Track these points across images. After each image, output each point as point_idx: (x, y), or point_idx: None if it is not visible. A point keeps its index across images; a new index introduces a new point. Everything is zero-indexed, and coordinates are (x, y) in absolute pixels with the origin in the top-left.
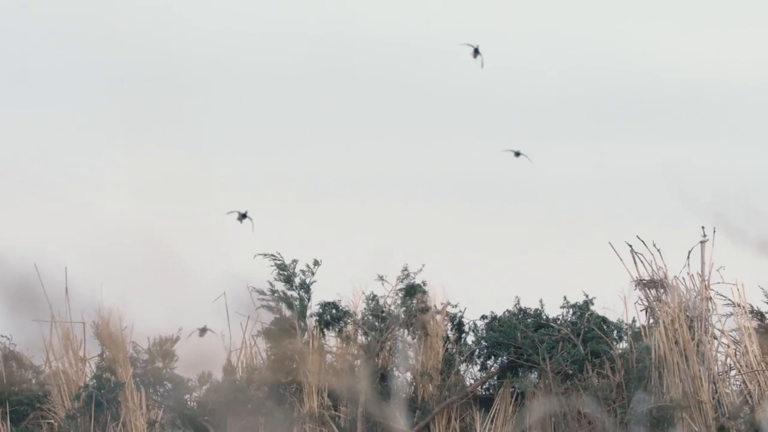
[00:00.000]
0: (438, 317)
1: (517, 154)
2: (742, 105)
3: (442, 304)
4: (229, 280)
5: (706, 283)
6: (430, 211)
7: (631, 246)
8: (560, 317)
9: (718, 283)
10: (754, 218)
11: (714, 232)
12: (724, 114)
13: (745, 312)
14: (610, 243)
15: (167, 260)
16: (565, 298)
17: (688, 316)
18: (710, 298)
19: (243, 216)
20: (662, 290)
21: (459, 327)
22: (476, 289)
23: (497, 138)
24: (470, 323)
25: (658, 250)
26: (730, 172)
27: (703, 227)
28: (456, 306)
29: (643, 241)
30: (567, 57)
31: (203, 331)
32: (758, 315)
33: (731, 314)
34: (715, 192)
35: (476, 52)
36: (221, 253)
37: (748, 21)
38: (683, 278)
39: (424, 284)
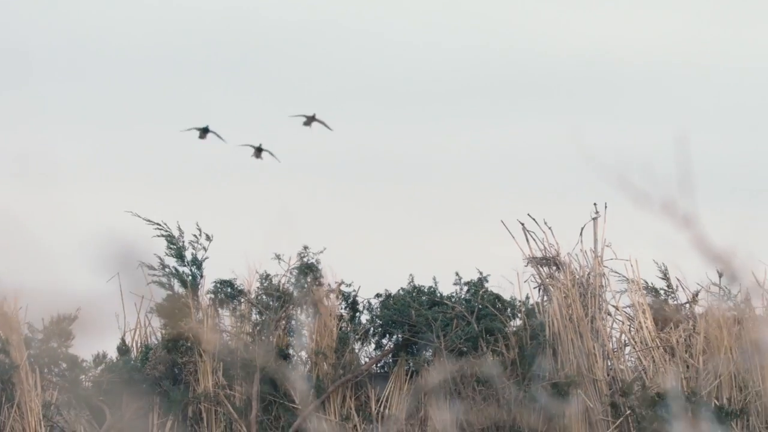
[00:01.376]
0: (332, 296)
1: (204, 131)
2: (641, 81)
3: (335, 282)
4: (116, 258)
5: (599, 259)
6: (323, 191)
7: (522, 224)
8: (454, 295)
9: (612, 259)
10: (656, 181)
11: (606, 208)
12: (623, 91)
13: (639, 288)
14: (502, 221)
15: (28, 238)
16: (457, 274)
17: (581, 293)
18: (604, 274)
19: (205, 131)
20: (555, 267)
21: (353, 306)
22: (371, 269)
23: (396, 116)
24: (364, 302)
25: (550, 228)
26: (627, 147)
27: (595, 204)
28: (350, 285)
29: (534, 219)
30: (464, 34)
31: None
32: (653, 291)
33: (625, 290)
34: (618, 158)
35: (311, 119)
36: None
37: None
38: (576, 255)
39: (318, 263)
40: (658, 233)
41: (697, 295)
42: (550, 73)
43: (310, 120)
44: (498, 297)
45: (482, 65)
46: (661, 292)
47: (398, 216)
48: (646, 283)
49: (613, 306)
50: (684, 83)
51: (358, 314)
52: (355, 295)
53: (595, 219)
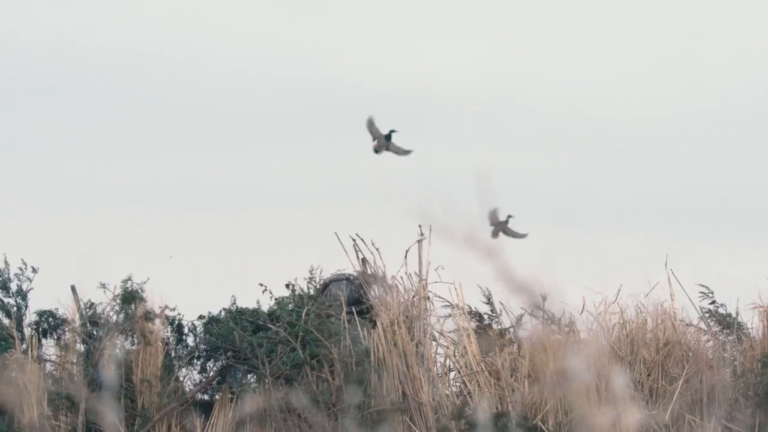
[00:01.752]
0: (157, 322)
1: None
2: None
3: (160, 307)
4: None
5: (425, 283)
6: (150, 218)
7: (354, 241)
8: (280, 319)
9: (436, 282)
10: (458, 216)
11: (430, 231)
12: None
13: (464, 313)
14: (335, 233)
15: None
16: (284, 299)
17: (407, 317)
18: (428, 298)
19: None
20: (382, 290)
21: (179, 329)
22: (199, 298)
23: (218, 146)
24: (189, 324)
25: (377, 249)
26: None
27: (420, 226)
28: (174, 309)
29: (362, 240)
30: (285, 63)
31: None
32: (477, 316)
33: (450, 315)
34: (424, 191)
35: (387, 141)
36: None
37: (452, 32)
38: (401, 278)
39: (142, 290)
40: (465, 264)
41: (521, 318)
42: (371, 101)
43: (383, 145)
44: (322, 321)
45: (307, 94)
46: (485, 316)
47: (225, 242)
48: (470, 307)
49: (438, 331)
50: (498, 112)
51: (184, 337)
52: (180, 320)
53: (420, 242)
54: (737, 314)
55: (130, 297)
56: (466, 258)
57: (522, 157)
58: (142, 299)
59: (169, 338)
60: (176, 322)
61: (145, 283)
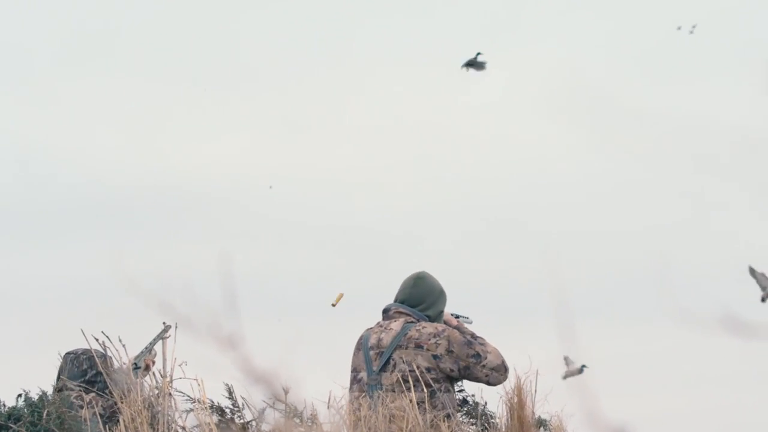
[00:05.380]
0: None
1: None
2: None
3: None
4: None
5: (168, 379)
6: None
7: (97, 339)
8: (22, 417)
9: (180, 378)
10: (199, 306)
11: (176, 327)
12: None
13: (206, 407)
14: (82, 330)
15: None
16: (20, 396)
17: (151, 414)
18: (171, 394)
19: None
20: (125, 386)
21: None
22: None
23: None
24: None
25: (124, 346)
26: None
27: (164, 323)
28: None
29: (108, 337)
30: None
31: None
32: (219, 410)
33: (192, 410)
34: (162, 280)
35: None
36: None
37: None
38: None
39: None
40: (204, 356)
41: (263, 412)
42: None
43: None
44: (62, 420)
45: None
46: (227, 410)
47: None
48: (212, 402)
49: (181, 426)
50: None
51: None
52: None
53: (164, 339)
54: (485, 404)
55: None
56: (208, 349)
57: (266, 247)
58: None
59: None
60: None
61: None
